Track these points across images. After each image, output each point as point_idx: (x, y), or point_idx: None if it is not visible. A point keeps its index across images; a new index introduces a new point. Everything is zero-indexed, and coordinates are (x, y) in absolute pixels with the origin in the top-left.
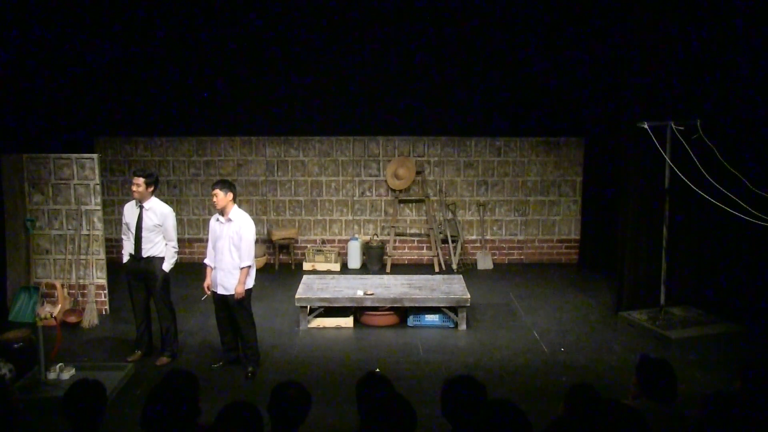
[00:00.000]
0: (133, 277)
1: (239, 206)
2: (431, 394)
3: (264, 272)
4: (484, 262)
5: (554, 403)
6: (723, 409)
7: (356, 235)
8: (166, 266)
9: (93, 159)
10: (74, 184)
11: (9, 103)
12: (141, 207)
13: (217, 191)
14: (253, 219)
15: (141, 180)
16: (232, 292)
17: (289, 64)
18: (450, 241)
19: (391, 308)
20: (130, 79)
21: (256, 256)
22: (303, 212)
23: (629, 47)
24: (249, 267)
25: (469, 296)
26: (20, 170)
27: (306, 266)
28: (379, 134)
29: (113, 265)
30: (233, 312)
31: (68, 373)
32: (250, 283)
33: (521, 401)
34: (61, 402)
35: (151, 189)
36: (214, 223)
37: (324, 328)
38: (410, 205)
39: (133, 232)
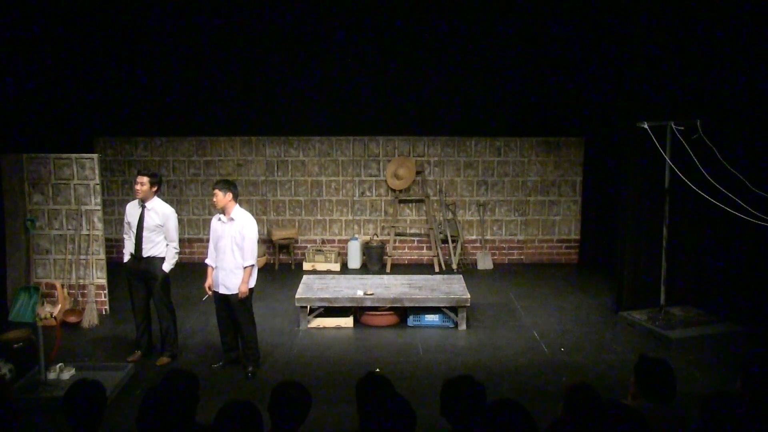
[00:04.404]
0: (134, 276)
1: (240, 206)
2: (431, 394)
3: (264, 272)
4: (484, 262)
5: (554, 403)
6: (723, 409)
7: (356, 235)
8: (167, 266)
9: (93, 159)
10: (74, 184)
11: (9, 103)
12: (143, 206)
13: (217, 191)
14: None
15: (146, 179)
16: (234, 292)
17: (289, 65)
18: (450, 241)
19: (391, 308)
20: (130, 79)
21: (257, 256)
22: (303, 212)
23: (629, 47)
24: (252, 266)
25: (469, 296)
26: (20, 170)
27: (306, 266)
28: (379, 134)
29: (113, 265)
30: (235, 311)
31: (68, 373)
32: (252, 282)
33: (521, 401)
34: (61, 402)
35: (154, 189)
36: (216, 223)
37: (324, 328)
38: (410, 205)
39: (135, 231)
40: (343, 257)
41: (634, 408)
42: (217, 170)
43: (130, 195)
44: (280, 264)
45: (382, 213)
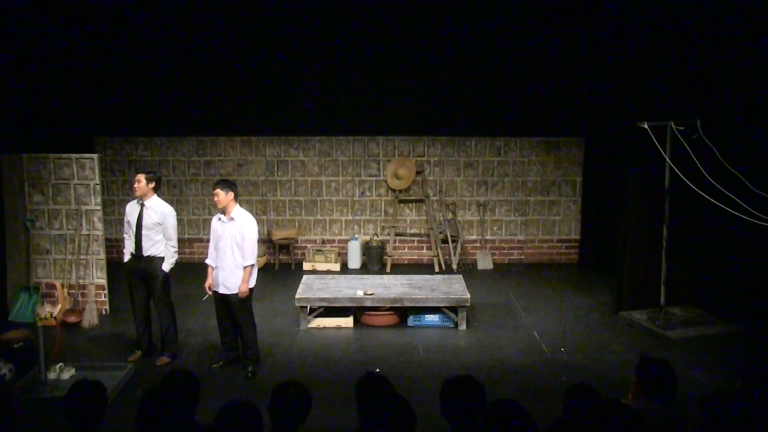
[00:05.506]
0: (134, 276)
1: (240, 206)
2: (431, 394)
3: (264, 272)
4: (484, 262)
5: (554, 403)
6: (723, 409)
7: (356, 235)
8: (166, 266)
9: (93, 159)
10: (74, 184)
11: (9, 103)
12: (142, 205)
13: (219, 191)
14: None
15: (142, 176)
16: (234, 292)
17: (289, 64)
18: (450, 241)
19: (391, 308)
20: (130, 79)
21: (257, 256)
22: (303, 212)
23: (629, 47)
24: (252, 266)
25: (469, 296)
26: (20, 170)
27: (306, 266)
28: (379, 134)
29: (113, 265)
30: (235, 311)
31: (68, 373)
32: (252, 282)
33: (521, 401)
34: (61, 402)
35: (152, 186)
36: (216, 223)
37: (324, 328)
38: (410, 205)
39: (134, 230)
40: (343, 257)
41: (634, 408)
42: (217, 170)
43: (130, 195)
44: (280, 264)
45: (382, 213)
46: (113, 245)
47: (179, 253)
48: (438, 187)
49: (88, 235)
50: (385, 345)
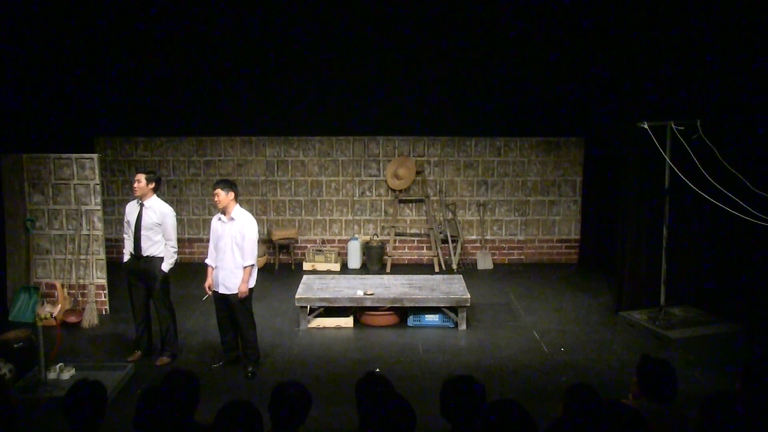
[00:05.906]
0: (134, 276)
1: (240, 206)
2: (431, 394)
3: (264, 272)
4: (484, 262)
5: (554, 403)
6: (723, 409)
7: (356, 235)
8: (165, 267)
9: (93, 159)
10: (74, 184)
11: (9, 103)
12: (141, 205)
13: (219, 191)
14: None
15: (142, 176)
16: (234, 292)
17: (289, 64)
18: (450, 241)
19: (391, 308)
20: (130, 78)
21: (257, 256)
22: (303, 212)
23: (629, 47)
24: (252, 266)
25: (469, 296)
26: (20, 170)
27: (306, 266)
28: (379, 134)
29: (113, 265)
30: (234, 311)
31: (68, 373)
32: (252, 282)
33: (521, 401)
34: (61, 402)
35: (152, 186)
36: (216, 223)
37: (324, 328)
38: (410, 205)
39: (133, 230)
40: (343, 257)
41: (634, 408)
42: (217, 170)
43: (130, 195)
44: (280, 264)
45: (382, 213)
46: (113, 245)
47: (179, 253)
48: (438, 187)
49: (88, 235)
50: (385, 345)
